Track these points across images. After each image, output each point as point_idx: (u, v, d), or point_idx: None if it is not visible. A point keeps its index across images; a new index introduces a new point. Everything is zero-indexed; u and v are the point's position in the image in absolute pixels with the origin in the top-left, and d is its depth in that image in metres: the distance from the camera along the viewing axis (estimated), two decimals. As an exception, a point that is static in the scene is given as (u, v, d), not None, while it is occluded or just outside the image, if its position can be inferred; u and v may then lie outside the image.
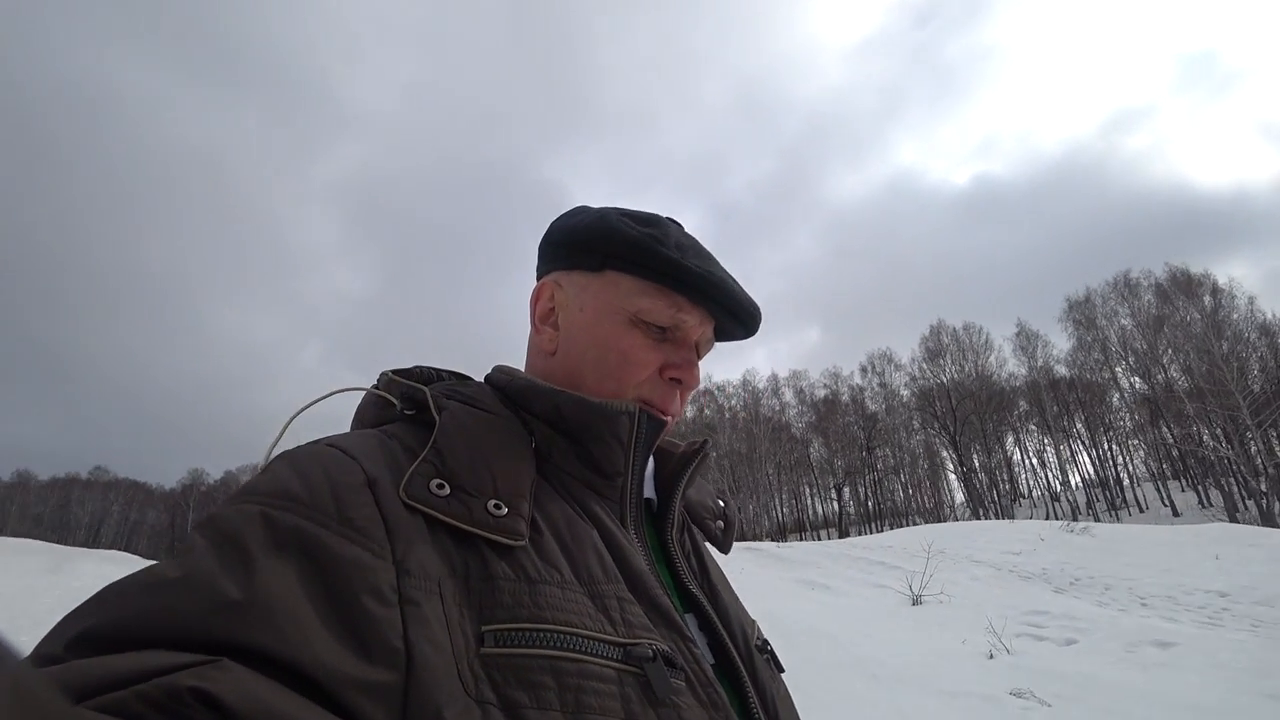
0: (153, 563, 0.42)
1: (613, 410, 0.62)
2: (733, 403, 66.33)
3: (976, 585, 9.56)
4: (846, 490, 64.72)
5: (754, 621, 0.68)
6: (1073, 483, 55.98)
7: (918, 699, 4.44)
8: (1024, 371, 56.00)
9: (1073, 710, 4.27)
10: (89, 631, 0.36)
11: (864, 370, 66.36)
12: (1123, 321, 48.66)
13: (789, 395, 68.76)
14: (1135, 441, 53.80)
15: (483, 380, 0.71)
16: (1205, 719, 4.12)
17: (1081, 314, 51.47)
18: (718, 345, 0.76)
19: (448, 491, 0.51)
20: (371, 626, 0.40)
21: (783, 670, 0.67)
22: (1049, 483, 58.27)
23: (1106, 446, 55.65)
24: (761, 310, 0.73)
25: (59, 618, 0.40)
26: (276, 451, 0.54)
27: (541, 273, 0.76)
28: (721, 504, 0.78)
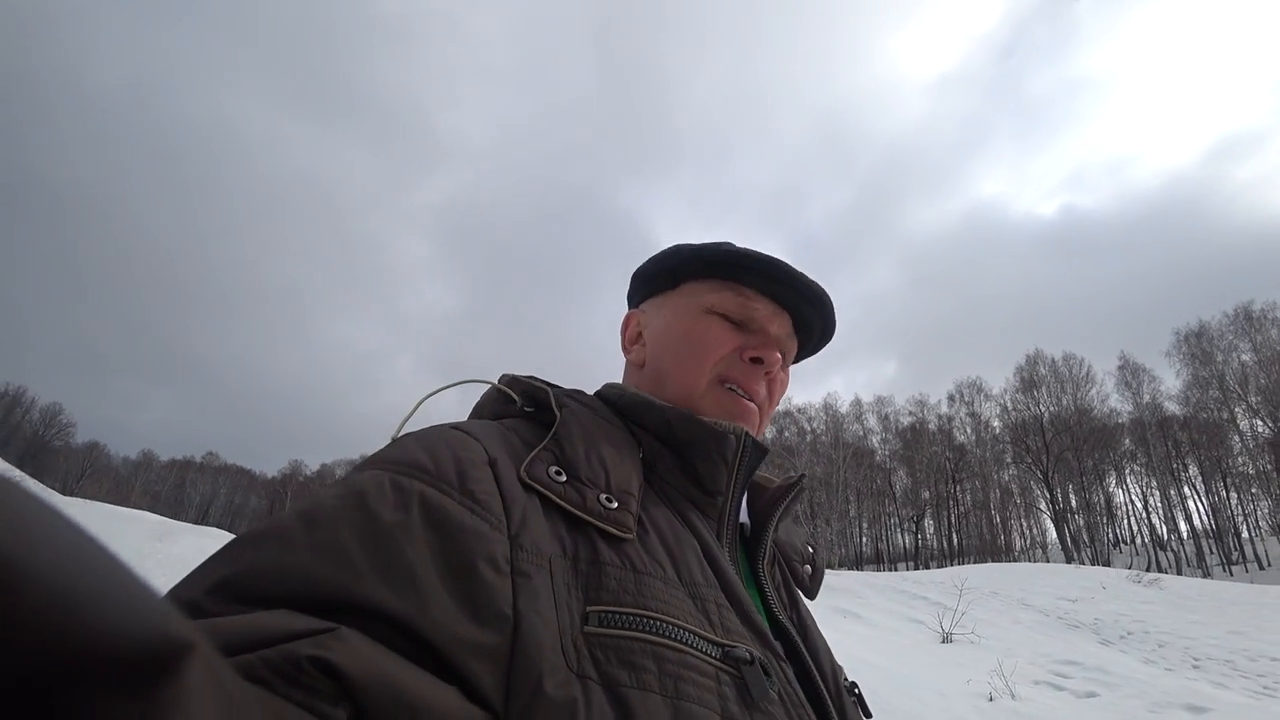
0: (283, 512, 0.45)
1: (721, 429, 0.65)
2: (814, 425, 65.03)
3: (1017, 629, 9.20)
4: (930, 523, 61.84)
5: (840, 666, 0.67)
6: (1182, 531, 51.01)
7: (897, 732, 4.50)
8: (1129, 408, 51.96)
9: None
10: (226, 580, 0.39)
11: (951, 399, 63.58)
12: (1243, 357, 44.50)
13: (872, 421, 66.78)
14: (1257, 490, 48.46)
15: (593, 394, 0.76)
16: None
17: (1196, 347, 47.34)
18: (800, 365, 0.84)
19: (564, 479, 0.54)
20: (484, 592, 0.42)
21: (870, 716, 0.66)
22: (1155, 529, 53.36)
23: (1224, 493, 50.42)
24: (831, 299, 0.76)
25: (162, 578, 0.49)
26: (403, 432, 0.57)
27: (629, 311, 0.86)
28: (810, 550, 0.79)
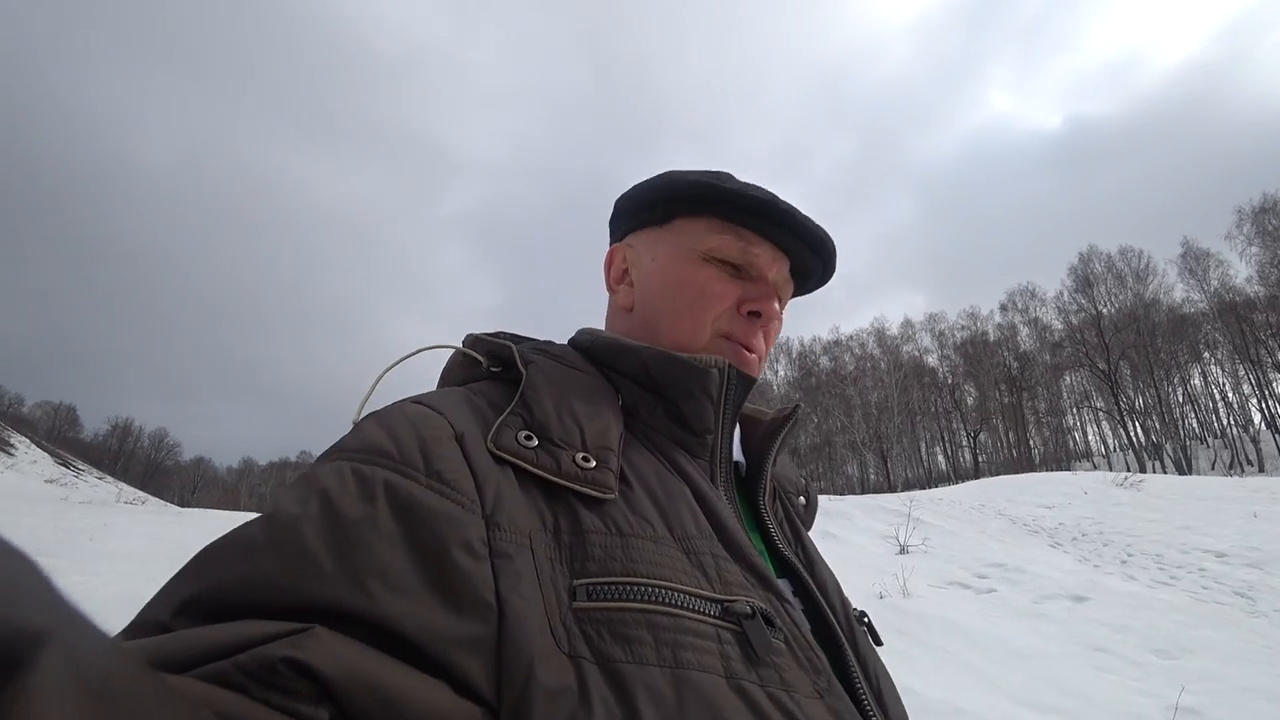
0: (246, 520, 0.41)
1: (702, 364, 0.60)
2: (868, 349, 64.54)
3: (979, 538, 9.96)
4: (999, 435, 60.88)
5: (849, 599, 0.62)
6: (1274, 419, 48.45)
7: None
8: (1196, 296, 49.22)
9: (899, 642, 5.36)
10: (192, 599, 0.36)
11: (1004, 308, 61.57)
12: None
13: (927, 340, 65.53)
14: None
15: (566, 343, 0.71)
16: (1011, 662, 5.01)
17: (1266, 223, 44.14)
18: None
19: (536, 443, 0.50)
20: (462, 580, 0.40)
21: (881, 644, 0.62)
22: (1245, 423, 50.74)
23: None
24: (834, 242, 0.70)
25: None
26: (366, 413, 0.53)
27: (612, 242, 0.77)
28: (803, 481, 0.77)
